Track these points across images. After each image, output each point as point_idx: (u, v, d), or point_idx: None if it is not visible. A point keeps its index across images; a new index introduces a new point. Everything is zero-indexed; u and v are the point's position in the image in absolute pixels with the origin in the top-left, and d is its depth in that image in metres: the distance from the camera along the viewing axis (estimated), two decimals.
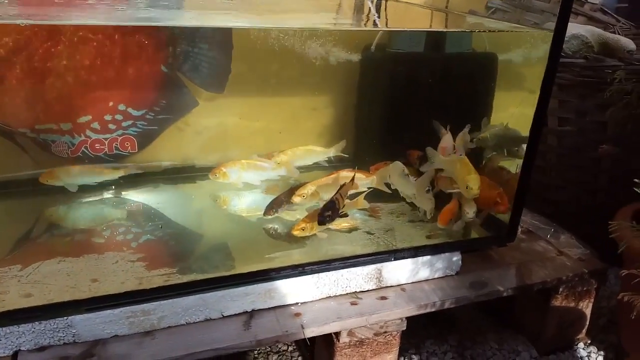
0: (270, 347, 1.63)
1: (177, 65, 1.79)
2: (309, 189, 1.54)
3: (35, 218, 1.64)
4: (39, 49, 1.60)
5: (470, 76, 1.76)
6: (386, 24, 2.02)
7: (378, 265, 1.44)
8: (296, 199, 1.53)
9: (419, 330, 1.71)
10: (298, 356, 1.63)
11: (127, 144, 1.80)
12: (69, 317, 1.19)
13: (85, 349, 1.20)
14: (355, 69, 1.92)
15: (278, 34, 1.79)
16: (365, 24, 1.97)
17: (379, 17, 2.02)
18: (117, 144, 1.79)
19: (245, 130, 2.04)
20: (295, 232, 1.48)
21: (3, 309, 1.18)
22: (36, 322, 1.17)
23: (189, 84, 1.82)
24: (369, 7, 2.10)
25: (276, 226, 1.61)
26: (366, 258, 1.43)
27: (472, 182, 1.49)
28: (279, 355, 1.63)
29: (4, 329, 1.15)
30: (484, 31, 1.82)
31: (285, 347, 1.66)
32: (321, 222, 1.42)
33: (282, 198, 1.59)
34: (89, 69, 1.68)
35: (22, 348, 1.17)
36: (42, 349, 1.19)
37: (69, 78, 1.66)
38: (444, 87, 1.77)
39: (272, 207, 1.57)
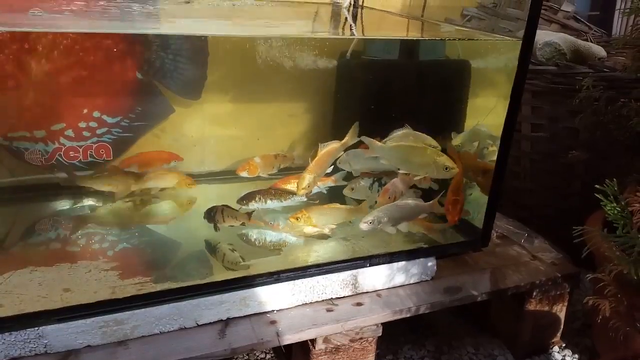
0: (247, 355, 1.62)
1: (153, 72, 1.78)
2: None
3: (7, 227, 1.61)
4: (11, 55, 1.59)
5: (443, 83, 1.79)
6: (362, 32, 2.05)
7: (354, 272, 1.44)
8: (301, 192, 1.52)
9: (397, 336, 1.72)
10: None
11: (102, 151, 1.79)
12: (40, 328, 1.17)
13: (58, 359, 1.18)
14: (332, 75, 1.94)
15: (255, 41, 1.80)
16: (342, 32, 1.99)
17: (355, 25, 2.04)
18: (91, 152, 1.77)
19: (223, 137, 2.04)
20: (291, 220, 1.51)
21: None
22: (6, 333, 1.15)
23: (165, 91, 1.82)
24: (345, 16, 2.12)
25: (250, 232, 1.61)
26: (342, 264, 1.43)
27: (447, 161, 1.49)
28: None
29: None
30: (454, 39, 1.85)
31: (263, 356, 1.65)
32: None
33: (256, 194, 1.59)
34: (63, 75, 1.66)
35: None
36: None
37: (43, 85, 1.65)
38: (418, 93, 1.79)
39: (244, 199, 1.57)
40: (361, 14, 2.08)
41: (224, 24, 1.83)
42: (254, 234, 1.60)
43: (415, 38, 1.92)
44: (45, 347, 1.19)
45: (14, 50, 1.59)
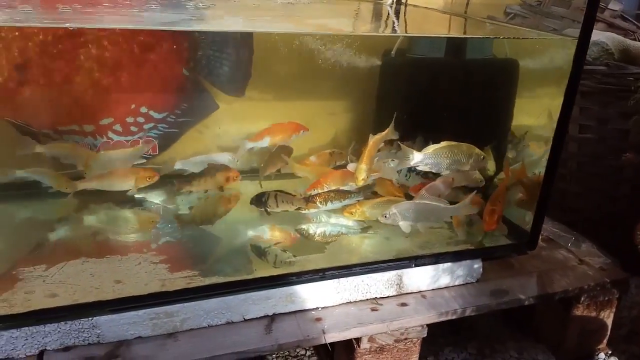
0: (288, 351, 1.63)
1: (199, 69, 1.80)
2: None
3: (57, 218, 1.65)
4: (64, 51, 1.62)
5: (490, 82, 1.76)
6: (405, 30, 2.03)
7: (399, 272, 1.43)
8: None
9: (437, 338, 1.70)
10: None
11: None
12: (94, 318, 1.20)
13: (110, 349, 1.21)
14: (375, 74, 1.92)
15: (298, 39, 1.80)
16: (384, 30, 1.98)
17: (398, 22, 2.02)
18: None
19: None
20: (346, 214, 1.54)
21: (29, 309, 1.19)
22: (62, 322, 1.18)
23: (210, 87, 1.83)
24: (388, 13, 2.11)
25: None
26: (387, 264, 1.43)
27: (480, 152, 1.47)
28: (297, 359, 1.63)
29: (30, 328, 1.16)
30: (508, 38, 1.81)
31: (303, 352, 1.66)
32: None
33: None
34: (112, 71, 1.69)
35: (47, 348, 1.19)
36: (67, 349, 1.20)
37: (93, 80, 1.68)
38: (464, 93, 1.76)
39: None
40: (404, 11, 2.06)
41: (267, 21, 1.83)
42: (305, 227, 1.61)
43: (465, 36, 1.89)
44: (98, 337, 1.22)
45: (67, 45, 1.62)
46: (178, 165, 1.72)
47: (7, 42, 1.55)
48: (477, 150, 1.54)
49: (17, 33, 1.55)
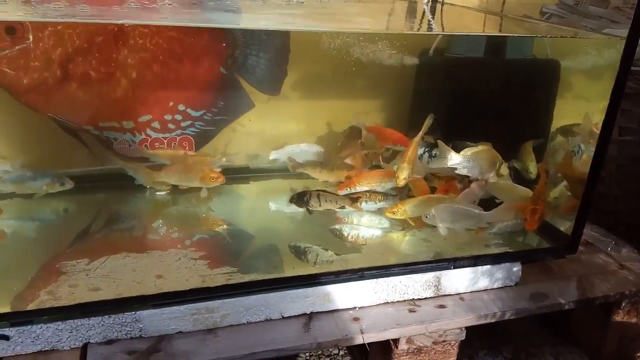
0: (321, 350, 1.63)
1: (236, 67, 1.81)
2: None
3: (97, 213, 1.68)
4: (104, 48, 1.65)
5: (531, 83, 1.73)
6: (442, 28, 2.01)
7: (437, 273, 1.42)
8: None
9: (471, 341, 1.68)
10: None
11: (185, 143, 1.84)
12: (137, 312, 1.21)
13: (152, 344, 1.22)
14: (410, 73, 1.91)
15: (332, 37, 1.79)
16: (419, 28, 1.96)
17: (433, 20, 2.00)
18: (175, 144, 1.82)
19: (297, 133, 2.05)
20: (387, 214, 1.54)
21: (74, 302, 1.21)
22: (105, 316, 1.20)
23: (246, 85, 1.84)
24: (424, 11, 2.08)
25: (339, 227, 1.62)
26: (425, 265, 1.42)
27: None
28: (330, 358, 1.63)
29: (75, 321, 1.18)
30: (555, 37, 1.78)
31: (336, 351, 1.66)
32: None
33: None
34: (152, 69, 1.72)
35: (91, 341, 1.21)
36: (110, 342, 1.21)
37: (132, 77, 1.70)
38: (503, 93, 1.73)
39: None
40: (441, 9, 2.04)
41: (302, 19, 1.83)
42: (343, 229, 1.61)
43: (509, 35, 1.86)
44: (140, 331, 1.23)
45: (108, 42, 1.65)
46: (273, 156, 1.84)
47: (53, 38, 1.58)
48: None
49: (61, 29, 1.58)
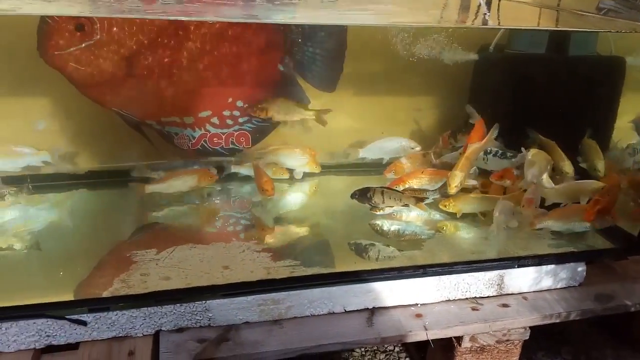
0: (377, 345, 1.63)
1: (293, 64, 1.83)
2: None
3: (159, 205, 1.72)
4: (168, 44, 1.69)
5: (595, 81, 1.69)
6: (498, 22, 1.97)
7: (500, 272, 1.41)
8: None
9: (530, 342, 1.65)
10: (405, 357, 1.62)
11: (242, 139, 1.87)
12: (207, 302, 1.24)
13: (220, 333, 1.25)
14: (467, 69, 1.88)
15: (386, 32, 1.79)
16: (473, 22, 1.93)
17: (490, 15, 1.96)
18: (233, 139, 1.86)
19: (348, 129, 2.05)
20: (440, 206, 1.56)
21: (147, 290, 1.25)
22: (177, 304, 1.23)
23: (302, 82, 1.86)
24: (479, 5, 2.05)
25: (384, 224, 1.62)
26: (489, 263, 1.40)
27: None
28: (386, 355, 1.63)
29: (148, 308, 1.22)
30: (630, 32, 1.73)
31: (391, 347, 1.66)
32: None
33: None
34: (212, 65, 1.75)
35: (162, 328, 1.24)
36: (180, 330, 1.25)
37: (194, 73, 1.74)
38: (566, 91, 1.70)
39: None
40: (498, 4, 2.01)
41: (353, 13, 1.82)
42: (394, 226, 1.60)
43: (574, 30, 1.82)
44: (209, 320, 1.26)
45: (172, 38, 1.69)
46: (362, 154, 1.87)
47: (119, 34, 1.63)
48: None
49: (127, 25, 1.62)
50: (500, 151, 1.67)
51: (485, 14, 1.94)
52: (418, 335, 1.31)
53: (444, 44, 1.83)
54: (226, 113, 1.82)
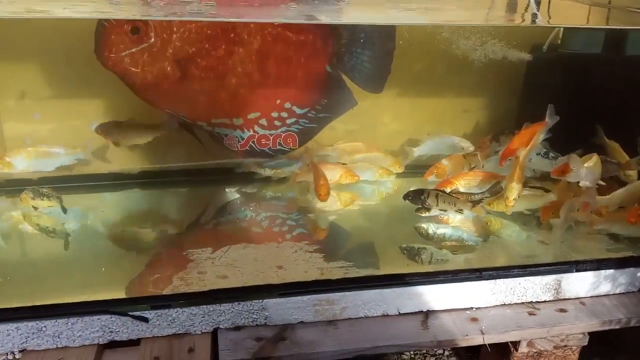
0: (441, 348, 1.62)
1: (341, 65, 1.83)
2: (517, 189, 1.45)
3: (215, 205, 1.76)
4: (218, 47, 1.71)
5: None
6: (548, 21, 1.93)
7: (558, 276, 1.38)
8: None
9: (582, 349, 1.62)
10: None
11: (289, 140, 1.88)
12: (264, 300, 1.26)
13: (277, 332, 1.26)
14: (519, 69, 1.85)
15: (433, 31, 1.77)
16: (522, 21, 1.89)
17: (539, 12, 1.92)
18: (280, 140, 1.87)
19: (393, 131, 2.05)
20: (487, 206, 1.53)
21: (205, 288, 1.27)
22: (235, 303, 1.25)
23: (350, 83, 1.86)
24: (528, 3, 2.00)
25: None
26: (546, 267, 1.38)
27: None
28: (435, 358, 1.62)
29: (207, 306, 1.24)
30: None
31: (441, 351, 1.64)
32: None
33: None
34: (262, 67, 1.77)
35: (220, 326, 1.26)
36: (238, 328, 1.27)
37: (245, 76, 1.76)
38: (623, 91, 1.65)
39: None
40: (548, 3, 1.96)
41: (401, 13, 1.81)
42: (445, 229, 1.59)
43: (632, 27, 1.77)
44: (265, 319, 1.27)
45: (223, 41, 1.71)
46: (417, 152, 1.88)
47: (173, 37, 1.66)
48: None
49: (180, 28, 1.65)
50: (545, 150, 1.65)
51: (535, 12, 1.91)
52: (474, 340, 1.29)
53: (493, 44, 1.81)
54: (274, 115, 1.84)
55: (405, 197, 1.54)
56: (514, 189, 1.43)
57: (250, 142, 1.85)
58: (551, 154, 1.65)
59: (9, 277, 1.32)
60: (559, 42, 1.75)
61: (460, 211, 1.52)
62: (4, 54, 1.67)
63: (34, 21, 1.64)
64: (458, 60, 1.80)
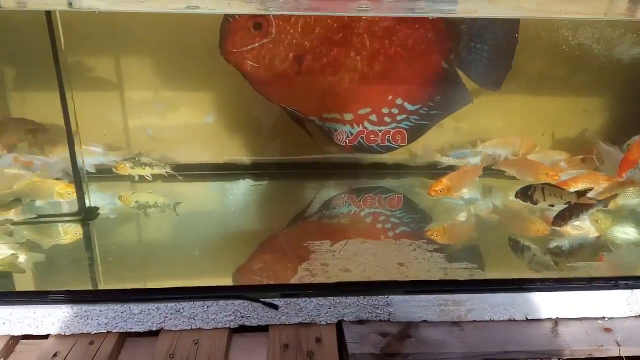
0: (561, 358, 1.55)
1: (457, 61, 1.79)
2: None
3: (327, 199, 1.78)
4: (335, 42, 1.72)
5: None
6: None
7: None
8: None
9: None
10: None
11: (398, 137, 1.87)
12: (389, 296, 1.25)
13: (401, 328, 1.25)
14: None
15: (550, 25, 1.69)
16: None
17: None
18: (389, 137, 1.87)
19: (505, 130, 1.98)
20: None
21: (330, 280, 1.29)
22: (360, 296, 1.25)
23: (466, 80, 1.82)
24: None
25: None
26: None
27: None
28: None
29: (334, 298, 1.25)
30: None
31: None
32: None
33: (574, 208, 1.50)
34: (376, 63, 1.76)
35: (345, 318, 1.27)
36: (361, 322, 1.27)
37: (358, 71, 1.77)
38: None
39: (562, 217, 1.50)
40: None
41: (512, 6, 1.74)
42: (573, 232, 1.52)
43: None
44: (389, 315, 1.27)
45: (339, 37, 1.72)
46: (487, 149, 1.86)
47: (291, 32, 1.69)
48: None
49: (299, 24, 1.68)
50: None
51: None
52: (609, 351, 1.22)
53: (621, 38, 1.71)
54: (385, 110, 1.84)
55: (516, 195, 1.50)
56: None
57: (359, 138, 1.86)
58: None
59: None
60: None
61: (568, 204, 1.46)
62: (125, 48, 1.77)
63: (155, 16, 1.73)
64: (581, 56, 1.72)
